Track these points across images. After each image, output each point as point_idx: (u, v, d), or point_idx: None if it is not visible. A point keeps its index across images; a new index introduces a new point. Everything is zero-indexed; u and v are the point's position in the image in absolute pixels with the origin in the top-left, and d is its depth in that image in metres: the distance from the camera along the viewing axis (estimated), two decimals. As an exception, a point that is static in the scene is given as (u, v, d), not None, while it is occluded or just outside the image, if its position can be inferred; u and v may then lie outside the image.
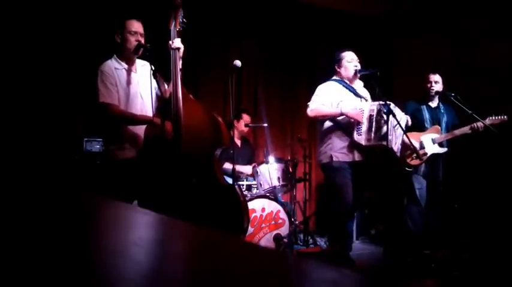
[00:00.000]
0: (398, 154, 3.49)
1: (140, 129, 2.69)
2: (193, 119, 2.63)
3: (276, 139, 5.36)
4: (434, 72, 4.02)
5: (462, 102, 3.83)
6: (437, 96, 4.03)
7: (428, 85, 3.99)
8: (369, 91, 3.67)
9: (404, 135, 3.52)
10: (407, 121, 3.53)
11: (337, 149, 3.41)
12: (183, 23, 2.72)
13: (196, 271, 0.50)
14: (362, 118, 3.32)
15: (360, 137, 3.35)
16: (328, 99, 3.45)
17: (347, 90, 3.52)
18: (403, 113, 3.53)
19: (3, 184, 1.15)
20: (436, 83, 3.99)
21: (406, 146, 3.82)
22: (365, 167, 3.45)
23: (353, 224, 3.57)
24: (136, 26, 2.75)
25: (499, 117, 3.77)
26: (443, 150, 3.93)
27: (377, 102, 3.38)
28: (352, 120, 3.35)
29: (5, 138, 3.56)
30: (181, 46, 2.69)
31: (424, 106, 4.02)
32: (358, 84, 3.62)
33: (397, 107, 3.45)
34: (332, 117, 3.43)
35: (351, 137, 3.38)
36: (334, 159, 3.40)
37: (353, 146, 3.38)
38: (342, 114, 3.37)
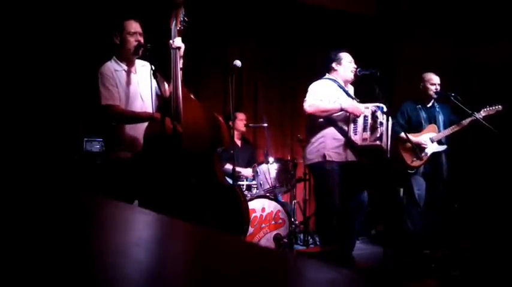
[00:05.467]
0: (389, 153, 3.47)
1: (140, 130, 2.68)
2: (193, 118, 2.63)
3: (276, 139, 5.36)
4: (435, 74, 4.01)
5: (462, 102, 3.83)
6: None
7: (433, 87, 3.97)
8: (368, 91, 3.67)
9: (404, 135, 3.53)
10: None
11: (330, 147, 3.35)
12: (184, 21, 2.71)
13: (197, 271, 0.50)
14: (361, 113, 3.32)
15: (356, 137, 3.34)
16: (325, 96, 3.40)
17: (342, 91, 3.52)
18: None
19: (4, 183, 1.15)
20: (439, 85, 3.99)
21: (407, 148, 3.82)
22: (358, 168, 3.42)
23: (357, 223, 3.54)
24: (135, 26, 2.73)
25: (494, 107, 3.78)
26: (443, 147, 3.93)
27: (371, 104, 3.39)
28: (351, 115, 3.35)
29: (5, 138, 3.56)
30: (182, 45, 2.69)
31: (420, 106, 4.02)
32: (350, 88, 3.62)
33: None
34: (330, 114, 3.38)
35: (345, 136, 3.36)
36: (327, 158, 3.33)
37: (347, 145, 3.35)
38: (341, 109, 3.34)
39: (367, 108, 3.38)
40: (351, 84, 3.63)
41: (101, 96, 2.65)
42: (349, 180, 3.36)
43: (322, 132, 3.39)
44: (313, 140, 3.43)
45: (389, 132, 3.36)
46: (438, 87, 3.97)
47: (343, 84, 3.55)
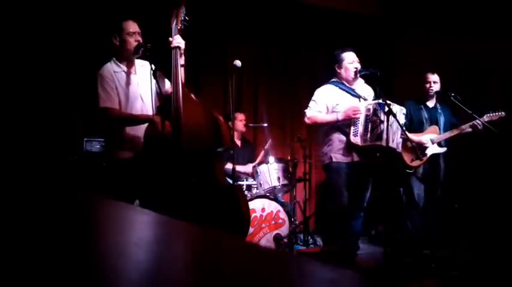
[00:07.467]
0: (400, 149, 3.50)
1: (140, 130, 2.68)
2: (193, 118, 2.62)
3: (276, 139, 5.36)
4: (432, 72, 4.00)
5: (462, 102, 3.82)
6: (435, 96, 4.02)
7: (427, 85, 3.97)
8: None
9: (403, 133, 3.52)
10: (402, 112, 3.50)
11: (336, 150, 3.47)
12: (185, 20, 2.71)
13: (196, 271, 0.50)
14: (357, 116, 3.36)
15: (356, 139, 3.38)
16: (325, 104, 3.52)
17: (344, 93, 3.54)
18: (398, 106, 3.46)
19: (3, 184, 1.15)
20: (435, 83, 3.98)
21: (407, 148, 3.81)
22: (365, 168, 3.46)
23: (359, 224, 3.57)
24: (134, 26, 2.73)
25: (497, 113, 3.77)
26: (443, 150, 3.92)
27: (373, 102, 3.39)
28: (350, 120, 3.39)
29: (5, 138, 3.56)
30: (183, 42, 2.69)
31: (422, 106, 4.01)
32: (359, 83, 3.61)
33: (393, 104, 3.42)
34: (328, 125, 3.50)
35: (348, 138, 3.41)
36: (334, 160, 3.45)
37: (351, 147, 3.42)
38: (338, 121, 3.43)
39: (369, 105, 3.38)
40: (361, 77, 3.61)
41: (99, 99, 2.65)
42: (358, 180, 3.44)
43: (330, 135, 3.53)
44: (323, 142, 3.61)
45: (394, 128, 3.35)
46: (433, 86, 3.95)
47: (348, 84, 3.56)
